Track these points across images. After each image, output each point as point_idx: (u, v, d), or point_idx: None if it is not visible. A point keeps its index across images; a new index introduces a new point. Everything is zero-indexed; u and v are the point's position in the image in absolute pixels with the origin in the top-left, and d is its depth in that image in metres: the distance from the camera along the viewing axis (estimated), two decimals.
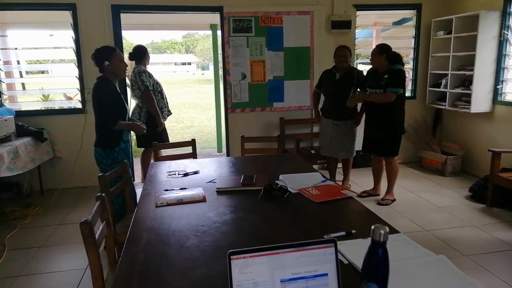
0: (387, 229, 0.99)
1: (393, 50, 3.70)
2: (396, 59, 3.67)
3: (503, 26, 4.29)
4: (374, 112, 3.78)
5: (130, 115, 3.05)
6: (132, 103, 4.30)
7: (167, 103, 4.33)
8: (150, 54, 4.32)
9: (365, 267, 1.03)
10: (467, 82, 4.65)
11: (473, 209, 3.76)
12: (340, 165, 4.43)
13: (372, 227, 1.00)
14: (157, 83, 4.16)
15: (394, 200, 3.96)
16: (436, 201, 3.97)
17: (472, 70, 4.41)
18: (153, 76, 4.16)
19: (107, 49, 2.79)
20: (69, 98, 5.08)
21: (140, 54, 4.14)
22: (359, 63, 5.67)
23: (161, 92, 4.19)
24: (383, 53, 3.63)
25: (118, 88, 2.91)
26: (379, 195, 4.09)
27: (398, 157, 4.09)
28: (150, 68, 4.28)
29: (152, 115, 4.09)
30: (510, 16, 4.26)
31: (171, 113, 4.41)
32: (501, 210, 3.70)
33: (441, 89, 4.93)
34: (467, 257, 2.84)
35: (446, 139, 5.27)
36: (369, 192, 4.13)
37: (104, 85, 2.75)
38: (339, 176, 4.49)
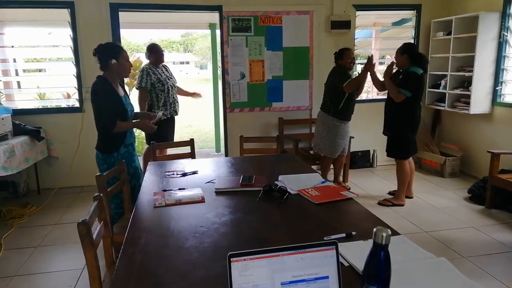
0: (389, 231, 0.97)
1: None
2: (418, 60, 3.62)
3: (502, 27, 4.29)
4: (386, 110, 3.84)
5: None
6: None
7: (173, 103, 4.26)
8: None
9: (366, 270, 1.02)
10: (466, 83, 4.65)
11: (472, 211, 3.76)
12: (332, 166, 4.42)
13: (374, 229, 0.98)
14: (160, 81, 4.11)
15: (401, 205, 3.86)
16: (434, 202, 3.97)
17: (472, 71, 4.40)
18: (161, 74, 4.15)
19: (114, 46, 2.68)
20: (68, 96, 5.05)
21: (147, 52, 4.23)
22: (358, 63, 5.65)
23: (163, 91, 4.13)
24: (404, 52, 3.64)
25: (123, 87, 2.82)
26: (402, 205, 3.90)
27: None
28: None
29: (157, 110, 4.13)
30: (510, 18, 4.26)
31: (175, 114, 4.34)
32: (500, 212, 3.70)
33: (440, 90, 4.93)
34: (466, 258, 2.83)
35: (445, 140, 5.26)
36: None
37: (102, 85, 2.62)
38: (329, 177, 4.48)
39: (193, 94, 4.77)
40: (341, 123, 4.04)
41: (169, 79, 4.23)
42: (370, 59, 3.82)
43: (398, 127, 3.75)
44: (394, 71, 3.83)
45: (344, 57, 3.94)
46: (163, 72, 4.22)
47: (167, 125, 4.25)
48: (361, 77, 3.90)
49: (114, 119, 2.60)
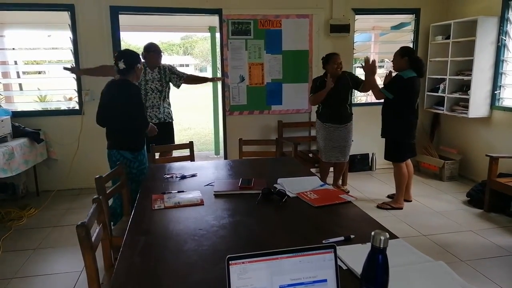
0: (387, 235, 0.98)
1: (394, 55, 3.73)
2: (414, 64, 3.62)
3: (501, 31, 4.31)
4: (382, 113, 3.87)
5: None
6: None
7: (153, 109, 3.86)
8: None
9: (364, 273, 1.02)
10: (465, 87, 4.66)
11: (470, 214, 3.76)
12: (331, 169, 4.41)
13: (372, 233, 0.99)
14: (139, 83, 3.70)
15: (400, 208, 3.85)
16: (433, 206, 3.97)
17: (470, 75, 4.42)
18: (145, 74, 3.80)
19: (136, 53, 2.91)
20: (70, 99, 5.03)
21: (144, 52, 3.88)
22: (358, 67, 5.67)
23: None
24: (404, 56, 3.64)
25: None
26: (401, 208, 3.89)
27: None
28: None
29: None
30: (508, 22, 4.28)
31: (156, 120, 3.85)
32: (498, 215, 3.71)
33: (439, 94, 4.94)
34: (464, 262, 2.83)
35: (444, 143, 5.27)
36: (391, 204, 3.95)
37: (136, 86, 2.84)
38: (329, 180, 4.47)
39: (213, 79, 4.93)
40: (324, 125, 4.05)
41: (152, 82, 3.82)
42: (367, 62, 3.78)
43: (391, 130, 3.78)
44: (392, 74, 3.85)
45: (331, 62, 3.90)
46: (150, 73, 3.83)
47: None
48: (323, 94, 3.88)
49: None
